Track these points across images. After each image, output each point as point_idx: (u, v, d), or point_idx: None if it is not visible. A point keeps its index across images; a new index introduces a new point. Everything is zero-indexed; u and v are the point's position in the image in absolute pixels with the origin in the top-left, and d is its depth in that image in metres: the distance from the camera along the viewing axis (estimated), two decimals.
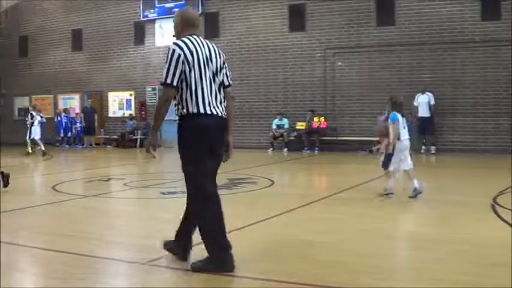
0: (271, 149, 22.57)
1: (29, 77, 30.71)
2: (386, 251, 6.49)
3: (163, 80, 5.42)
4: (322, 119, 22.11)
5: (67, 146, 27.58)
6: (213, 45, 5.69)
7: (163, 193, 11.32)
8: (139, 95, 27.23)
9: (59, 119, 27.89)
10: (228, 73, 5.76)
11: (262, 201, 10.48)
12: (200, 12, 24.53)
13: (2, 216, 8.34)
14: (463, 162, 17.70)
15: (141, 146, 25.90)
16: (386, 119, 10.09)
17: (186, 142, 5.53)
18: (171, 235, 6.10)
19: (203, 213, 5.51)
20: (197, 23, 5.78)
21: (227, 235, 5.52)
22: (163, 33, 26.21)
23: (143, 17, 26.78)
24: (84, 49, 28.88)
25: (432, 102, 19.97)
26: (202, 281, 5.31)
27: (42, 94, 30.24)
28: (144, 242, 6.97)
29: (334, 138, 21.99)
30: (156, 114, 5.61)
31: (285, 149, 22.30)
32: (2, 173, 11.44)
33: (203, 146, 5.46)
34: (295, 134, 22.64)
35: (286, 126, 22.62)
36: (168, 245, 5.95)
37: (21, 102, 31.20)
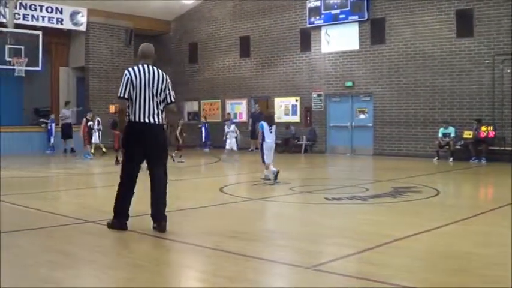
0: (436, 157, 22.91)
1: (198, 83, 33.75)
2: None
3: (118, 94, 8.04)
4: (490, 128, 22.23)
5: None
6: (159, 71, 8.18)
7: (327, 198, 11.78)
8: (305, 101, 28.86)
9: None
10: (171, 93, 8.23)
11: (427, 210, 10.77)
12: (366, 18, 25.53)
13: (176, 214, 9.40)
14: None
15: (306, 151, 27.17)
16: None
17: (123, 140, 8.27)
18: (334, 241, 7.55)
19: (118, 191, 8.25)
20: (148, 55, 8.28)
21: (129, 210, 8.20)
22: (330, 40, 27.63)
23: (309, 24, 28.30)
24: (252, 55, 31.13)
25: None
26: None
27: (211, 99, 32.55)
28: (307, 246, 7.44)
29: (502, 148, 22.10)
30: (117, 117, 8.66)
31: (451, 158, 22.54)
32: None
33: (132, 144, 8.11)
34: (461, 143, 22.91)
35: (452, 135, 22.99)
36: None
37: (191, 106, 33.92)
